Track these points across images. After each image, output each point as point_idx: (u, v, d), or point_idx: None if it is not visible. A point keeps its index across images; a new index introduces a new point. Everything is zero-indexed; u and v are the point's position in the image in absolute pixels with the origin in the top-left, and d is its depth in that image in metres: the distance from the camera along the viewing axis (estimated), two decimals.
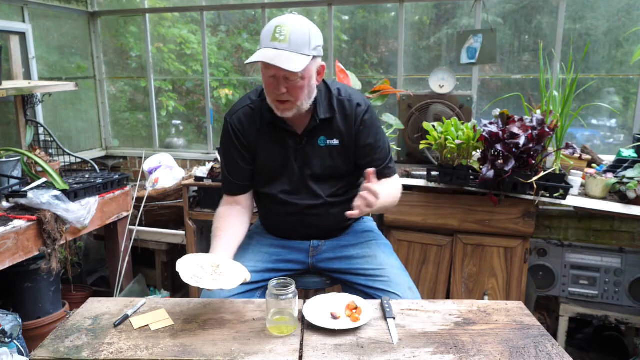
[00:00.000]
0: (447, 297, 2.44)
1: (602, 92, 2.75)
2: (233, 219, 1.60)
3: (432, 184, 2.33)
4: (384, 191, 1.46)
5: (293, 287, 1.22)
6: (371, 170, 1.38)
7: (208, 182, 2.68)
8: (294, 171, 1.58)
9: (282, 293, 1.20)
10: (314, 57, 1.42)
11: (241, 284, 1.52)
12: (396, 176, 1.70)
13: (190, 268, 1.29)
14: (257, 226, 1.81)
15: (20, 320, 1.92)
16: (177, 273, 1.27)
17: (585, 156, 2.35)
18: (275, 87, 1.41)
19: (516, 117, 2.11)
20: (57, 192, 2.18)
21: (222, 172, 1.68)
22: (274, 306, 1.21)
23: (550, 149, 2.18)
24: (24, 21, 2.97)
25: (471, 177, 2.20)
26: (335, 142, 1.57)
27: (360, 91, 2.67)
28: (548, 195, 2.13)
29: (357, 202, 1.35)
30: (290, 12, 1.48)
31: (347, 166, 1.61)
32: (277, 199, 1.62)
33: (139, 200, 2.78)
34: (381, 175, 1.61)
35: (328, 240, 1.67)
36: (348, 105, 1.56)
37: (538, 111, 2.20)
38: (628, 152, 2.34)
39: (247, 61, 1.39)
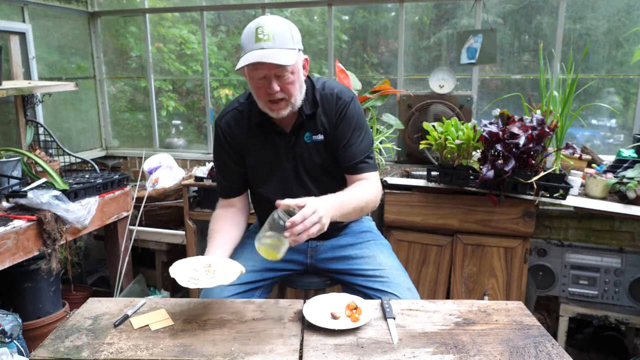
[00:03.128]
0: (447, 297, 2.44)
1: (602, 92, 2.75)
2: (228, 221, 1.60)
3: (432, 184, 2.33)
4: (344, 197, 1.41)
5: None
6: (280, 202, 1.26)
7: (208, 182, 2.68)
8: (287, 171, 1.58)
9: (287, 219, 1.21)
10: (299, 50, 1.43)
11: (241, 283, 1.53)
12: (372, 174, 1.57)
13: (185, 272, 1.29)
14: (255, 226, 1.80)
15: (20, 320, 1.92)
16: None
17: (585, 156, 2.35)
18: (267, 88, 1.41)
19: (516, 117, 2.11)
20: (57, 192, 2.18)
21: (216, 176, 1.68)
22: (272, 227, 1.21)
23: (550, 149, 2.18)
24: (24, 21, 2.97)
25: (471, 177, 2.20)
26: (320, 137, 1.55)
27: (360, 91, 2.68)
28: (548, 195, 2.13)
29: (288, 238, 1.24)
30: (266, 14, 1.48)
31: (336, 162, 1.59)
32: (271, 200, 1.61)
33: (139, 200, 2.78)
34: (353, 171, 1.56)
35: (326, 241, 1.67)
36: (330, 98, 1.54)
37: (538, 111, 2.20)
38: (628, 152, 2.34)
39: (237, 67, 1.40)
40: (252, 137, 1.57)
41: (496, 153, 2.08)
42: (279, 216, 1.21)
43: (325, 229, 1.28)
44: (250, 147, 1.59)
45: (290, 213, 1.22)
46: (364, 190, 1.52)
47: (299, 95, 1.47)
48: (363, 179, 1.56)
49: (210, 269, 1.32)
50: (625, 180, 2.09)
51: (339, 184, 1.60)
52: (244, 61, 1.37)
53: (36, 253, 2.12)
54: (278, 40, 1.37)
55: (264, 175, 1.61)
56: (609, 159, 2.47)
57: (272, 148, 1.57)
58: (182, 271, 1.30)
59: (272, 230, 1.21)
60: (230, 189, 1.65)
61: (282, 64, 1.35)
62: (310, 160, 1.57)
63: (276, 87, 1.40)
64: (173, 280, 1.24)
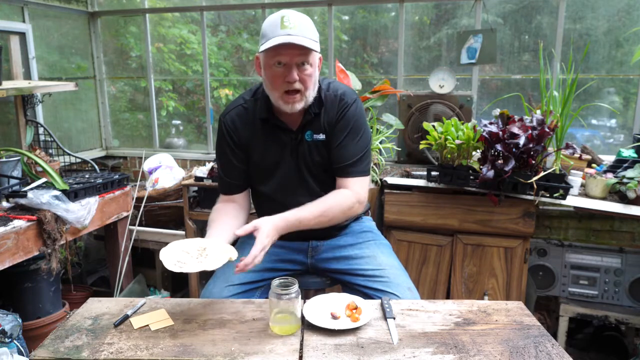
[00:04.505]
0: (447, 297, 2.44)
1: (602, 92, 2.75)
2: (228, 212, 1.60)
3: (432, 184, 2.33)
4: (306, 212, 1.46)
5: (296, 287, 1.22)
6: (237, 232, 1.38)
7: (208, 182, 2.68)
8: (290, 168, 1.58)
9: (285, 293, 1.20)
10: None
11: (241, 283, 1.53)
12: (358, 180, 1.57)
13: (175, 255, 1.27)
14: None
15: (20, 320, 1.92)
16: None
17: (585, 156, 2.35)
18: (287, 76, 1.42)
19: (516, 117, 2.11)
20: (57, 192, 2.18)
21: (218, 172, 1.68)
22: (277, 306, 1.20)
23: (550, 149, 2.18)
24: (24, 21, 2.97)
25: (471, 177, 2.20)
26: (321, 136, 1.56)
27: (360, 91, 2.68)
28: (548, 195, 2.13)
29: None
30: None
31: None
32: (273, 198, 1.62)
33: (139, 200, 2.78)
34: (340, 174, 1.57)
35: (327, 241, 1.67)
36: (333, 99, 1.56)
37: (538, 111, 2.20)
38: (628, 152, 2.34)
39: (264, 47, 1.39)
40: (257, 134, 1.58)
41: (496, 153, 2.08)
42: (272, 290, 1.21)
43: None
44: (254, 144, 1.59)
45: (284, 285, 1.22)
46: (334, 203, 1.51)
47: (312, 90, 1.49)
48: (347, 185, 1.55)
49: (204, 252, 1.30)
50: (625, 180, 2.09)
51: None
52: (271, 43, 1.38)
53: (36, 253, 2.12)
54: (304, 30, 1.40)
55: (267, 173, 1.61)
56: (609, 159, 2.47)
57: (277, 145, 1.57)
58: (174, 253, 1.27)
59: (275, 307, 1.21)
60: (231, 185, 1.65)
61: (309, 46, 1.38)
62: (311, 158, 1.58)
63: (295, 76, 1.41)
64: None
